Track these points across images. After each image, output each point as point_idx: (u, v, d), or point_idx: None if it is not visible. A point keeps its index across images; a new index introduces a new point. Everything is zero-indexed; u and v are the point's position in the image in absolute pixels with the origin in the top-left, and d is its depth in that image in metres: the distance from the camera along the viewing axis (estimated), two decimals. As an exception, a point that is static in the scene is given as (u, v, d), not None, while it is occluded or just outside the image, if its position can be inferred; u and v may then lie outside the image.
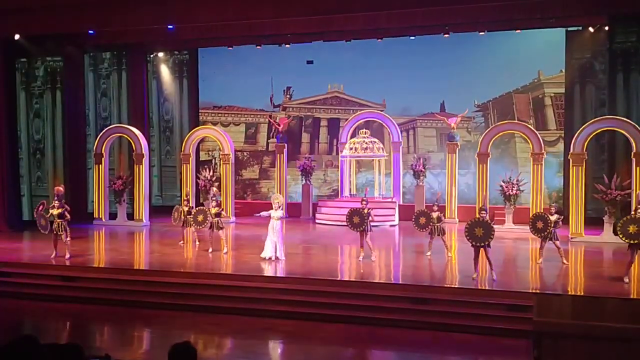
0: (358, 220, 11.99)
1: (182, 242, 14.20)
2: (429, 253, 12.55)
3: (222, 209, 13.80)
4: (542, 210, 12.31)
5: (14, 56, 17.72)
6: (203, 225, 13.16)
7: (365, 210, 12.05)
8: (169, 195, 21.16)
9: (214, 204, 13.54)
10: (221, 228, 13.21)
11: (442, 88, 19.04)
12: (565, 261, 11.78)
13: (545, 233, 11.53)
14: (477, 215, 10.86)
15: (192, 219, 13.35)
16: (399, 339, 9.07)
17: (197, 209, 13.59)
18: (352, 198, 18.26)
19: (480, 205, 11.24)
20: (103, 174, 17.95)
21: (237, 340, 9.44)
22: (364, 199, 12.54)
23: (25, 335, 3.86)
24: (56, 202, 12.62)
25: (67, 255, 12.48)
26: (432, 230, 12.49)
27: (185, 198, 14.97)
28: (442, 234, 12.46)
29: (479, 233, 10.40)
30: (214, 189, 15.50)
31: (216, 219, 13.12)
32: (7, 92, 17.21)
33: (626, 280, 10.31)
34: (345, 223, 12.48)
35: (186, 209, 14.22)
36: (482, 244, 10.43)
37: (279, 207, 12.07)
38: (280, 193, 18.96)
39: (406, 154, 19.28)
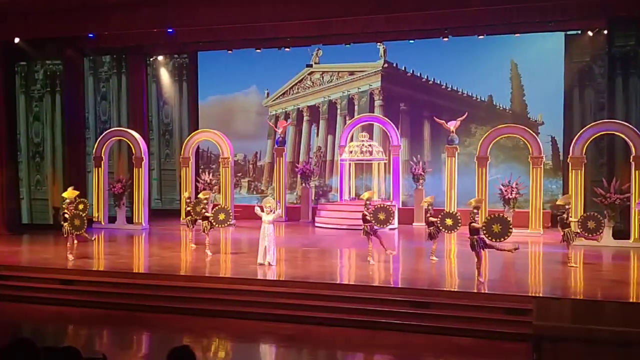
0: (384, 217, 12.09)
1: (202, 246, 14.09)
2: (435, 258, 12.55)
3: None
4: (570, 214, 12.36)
5: (14, 59, 17.72)
6: (225, 224, 13.16)
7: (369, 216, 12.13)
8: (168, 199, 21.18)
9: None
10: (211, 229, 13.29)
11: (441, 91, 19.09)
12: (573, 264, 11.93)
13: (600, 232, 11.90)
14: (470, 214, 10.86)
15: (212, 218, 13.28)
16: (399, 343, 9.04)
17: (216, 208, 13.56)
18: (351, 201, 18.27)
19: (474, 204, 11.17)
20: (102, 178, 17.95)
21: (236, 344, 9.44)
22: (367, 201, 12.51)
23: (21, 338, 3.86)
24: (72, 205, 12.91)
25: (72, 257, 12.66)
26: (432, 233, 12.53)
27: (189, 200, 15.07)
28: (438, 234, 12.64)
29: (497, 229, 10.35)
30: (205, 190, 15.51)
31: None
32: (6, 95, 17.21)
33: None
34: (345, 227, 12.56)
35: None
36: (501, 240, 10.37)
37: (271, 211, 12.04)
38: (279, 196, 19.02)
39: (405, 158, 19.30)
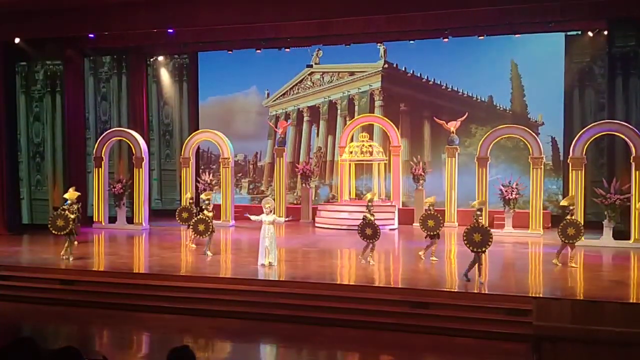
0: (371, 232, 11.98)
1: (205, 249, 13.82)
2: (435, 258, 12.57)
3: (213, 212, 13.70)
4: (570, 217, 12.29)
5: (14, 59, 17.72)
6: (204, 235, 13.16)
7: (373, 218, 12.09)
8: (168, 199, 21.18)
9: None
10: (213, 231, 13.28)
11: (441, 91, 19.12)
12: (574, 264, 11.92)
13: (579, 239, 11.86)
14: (474, 215, 10.85)
15: (192, 228, 13.33)
16: (399, 343, 9.04)
17: (196, 218, 13.54)
18: (351, 201, 18.27)
19: (477, 206, 11.17)
20: (103, 178, 17.95)
21: (236, 344, 9.43)
22: (370, 202, 12.48)
23: (22, 337, 3.86)
24: (73, 206, 12.90)
25: (71, 259, 12.61)
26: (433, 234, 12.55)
27: (192, 201, 15.05)
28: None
29: (477, 238, 10.38)
30: (207, 191, 15.49)
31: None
32: (7, 95, 17.21)
33: None
34: (345, 228, 12.51)
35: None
36: (480, 250, 10.42)
37: (270, 211, 12.03)
38: (279, 197, 19.02)
39: (406, 158, 19.30)
